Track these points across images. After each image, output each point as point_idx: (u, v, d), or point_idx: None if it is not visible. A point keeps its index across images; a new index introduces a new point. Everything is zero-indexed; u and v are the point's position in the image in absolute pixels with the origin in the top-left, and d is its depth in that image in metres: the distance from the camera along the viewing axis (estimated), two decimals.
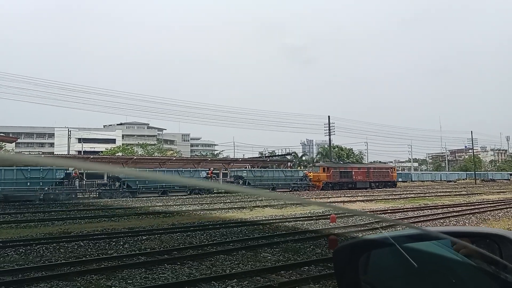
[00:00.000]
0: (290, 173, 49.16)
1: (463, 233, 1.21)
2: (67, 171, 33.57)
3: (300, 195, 40.10)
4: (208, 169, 44.26)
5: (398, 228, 13.66)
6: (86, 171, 36.87)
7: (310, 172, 50.38)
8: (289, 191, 44.82)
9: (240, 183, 43.15)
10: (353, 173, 52.22)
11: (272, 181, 45.81)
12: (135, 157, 50.64)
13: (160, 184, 36.50)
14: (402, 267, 1.18)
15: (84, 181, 36.33)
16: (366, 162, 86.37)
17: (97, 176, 38.52)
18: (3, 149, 53.61)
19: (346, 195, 36.00)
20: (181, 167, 43.93)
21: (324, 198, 32.71)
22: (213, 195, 37.15)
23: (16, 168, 30.79)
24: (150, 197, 34.53)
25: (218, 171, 49.40)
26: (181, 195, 36.56)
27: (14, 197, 29.88)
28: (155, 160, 53.31)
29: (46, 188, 31.96)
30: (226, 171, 52.02)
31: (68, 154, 62.65)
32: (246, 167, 53.51)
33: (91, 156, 48.88)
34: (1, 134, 63.84)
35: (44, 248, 10.73)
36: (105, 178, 37.96)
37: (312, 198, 32.45)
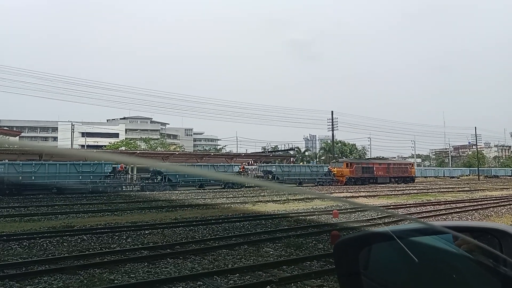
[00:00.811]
0: (315, 168, 51.57)
1: (463, 227, 1.20)
2: (114, 165, 35.47)
3: (319, 189, 40.20)
4: (240, 164, 46.54)
5: (399, 223, 13.68)
6: (135, 166, 39.80)
7: (334, 168, 51.56)
8: (314, 186, 46.30)
9: (270, 177, 45.06)
10: (374, 168, 53.88)
11: (299, 176, 47.89)
12: (138, 152, 50.76)
13: (198, 178, 38.41)
14: (402, 261, 1.18)
15: (130, 175, 38.87)
16: (369, 157, 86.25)
17: (143, 170, 40.47)
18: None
19: (349, 191, 36.02)
20: (217, 163, 47.47)
21: (326, 193, 32.70)
22: (226, 189, 38.09)
23: (69, 162, 33.59)
24: (189, 190, 36.61)
25: (249, 166, 50.87)
26: (217, 189, 38.12)
27: (67, 189, 31.71)
28: (158, 154, 53.45)
29: (96, 181, 34.18)
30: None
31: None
32: (249, 163, 53.94)
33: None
34: (5, 128, 64.10)
35: (47, 241, 10.79)
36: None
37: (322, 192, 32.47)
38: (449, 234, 1.16)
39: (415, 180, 59.14)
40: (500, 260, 1.05)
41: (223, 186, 39.23)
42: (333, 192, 34.09)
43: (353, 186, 46.17)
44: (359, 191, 34.92)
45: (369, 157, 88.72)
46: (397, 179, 55.09)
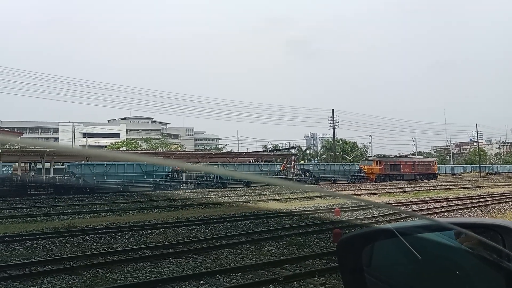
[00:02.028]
0: (348, 166, 53.86)
1: (466, 224, 1.20)
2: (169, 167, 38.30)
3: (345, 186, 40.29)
4: (281, 163, 49.62)
5: (402, 220, 13.67)
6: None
7: (364, 166, 53.95)
8: (347, 183, 48.52)
9: (307, 175, 48.16)
10: (401, 166, 56.35)
11: (333, 173, 50.51)
12: (139, 152, 50.79)
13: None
14: (405, 258, 1.18)
15: (186, 174, 41.11)
16: (370, 155, 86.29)
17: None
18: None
19: (351, 189, 36.00)
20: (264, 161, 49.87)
21: (336, 191, 32.62)
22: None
23: (135, 163, 36.53)
24: (238, 187, 39.33)
25: (291, 165, 52.44)
26: (240, 187, 39.60)
27: (131, 189, 34.92)
28: (159, 154, 53.46)
29: (157, 180, 37.09)
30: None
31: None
32: (250, 161, 54.40)
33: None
34: (6, 129, 64.12)
35: (50, 242, 10.82)
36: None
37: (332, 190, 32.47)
38: (451, 231, 1.16)
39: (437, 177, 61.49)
40: (503, 256, 1.05)
41: (153, 188, 37.61)
42: (335, 190, 34.07)
43: (367, 183, 47.74)
44: (361, 189, 34.91)
45: (370, 155, 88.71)
46: (421, 176, 57.17)
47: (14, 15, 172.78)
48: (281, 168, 45.62)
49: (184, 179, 40.46)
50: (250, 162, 50.95)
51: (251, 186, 39.87)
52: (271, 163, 47.17)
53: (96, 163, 35.48)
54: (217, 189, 37.43)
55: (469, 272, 1.14)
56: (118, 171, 35.30)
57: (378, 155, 65.76)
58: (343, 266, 1.33)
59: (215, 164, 41.37)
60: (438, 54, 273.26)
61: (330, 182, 49.08)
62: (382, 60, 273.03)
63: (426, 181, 52.90)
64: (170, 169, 38.14)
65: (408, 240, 1.13)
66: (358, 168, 52.90)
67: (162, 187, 36.71)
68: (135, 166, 35.86)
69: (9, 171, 35.56)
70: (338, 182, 48.93)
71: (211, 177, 40.00)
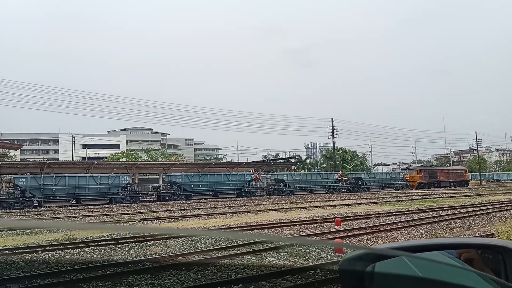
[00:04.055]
0: (394, 175, 60.47)
1: (468, 244, 1.21)
2: (251, 174, 46.76)
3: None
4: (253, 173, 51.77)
5: (408, 235, 13.60)
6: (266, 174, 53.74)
7: (407, 174, 59.54)
8: (394, 189, 54.77)
9: (359, 183, 53.19)
10: (438, 174, 61.28)
11: (382, 181, 56.39)
12: (139, 163, 50.78)
13: (307, 185, 48.81)
14: (407, 276, 1.18)
15: (261, 182, 47.84)
16: (370, 164, 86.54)
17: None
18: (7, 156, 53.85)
19: (351, 198, 35.93)
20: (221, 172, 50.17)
21: (329, 200, 32.64)
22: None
23: (223, 173, 44.86)
24: (302, 193, 46.29)
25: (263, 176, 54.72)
26: (230, 197, 41.89)
27: (220, 194, 41.94)
28: (159, 165, 53.43)
29: (240, 187, 43.50)
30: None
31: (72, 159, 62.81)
32: (251, 171, 54.65)
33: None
34: (6, 142, 64.15)
35: (49, 255, 10.77)
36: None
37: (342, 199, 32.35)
38: (453, 250, 1.16)
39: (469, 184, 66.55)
40: (503, 276, 1.05)
41: (236, 195, 42.89)
42: (335, 200, 33.99)
43: (389, 190, 52.21)
44: (361, 198, 34.84)
45: (371, 164, 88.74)
46: (454, 183, 61.61)
47: (17, 23, 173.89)
48: (254, 177, 46.29)
49: (260, 187, 46.68)
50: (221, 172, 49.48)
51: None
52: (240, 173, 47.54)
53: (193, 173, 43.57)
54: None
55: None
56: (209, 179, 42.02)
57: (421, 164, 75.42)
58: (346, 284, 1.33)
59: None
60: (437, 62, 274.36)
61: (379, 189, 54.06)
62: (380, 68, 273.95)
63: (459, 187, 58.50)
64: (250, 178, 44.79)
65: (410, 260, 1.13)
66: (402, 177, 58.44)
67: (243, 193, 42.89)
68: (222, 176, 43.22)
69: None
70: (385, 189, 54.73)
71: (281, 185, 46.54)
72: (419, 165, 69.72)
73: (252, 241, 11.85)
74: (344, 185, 52.31)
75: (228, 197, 40.93)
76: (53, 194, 34.33)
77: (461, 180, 63.45)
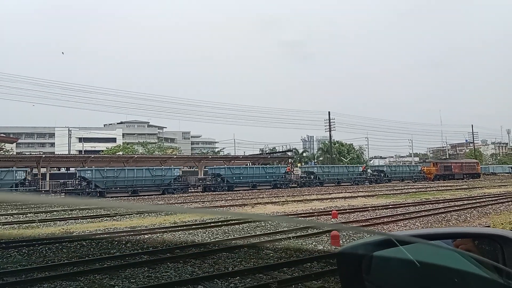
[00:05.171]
0: (412, 168, 63.77)
1: (465, 234, 1.21)
2: (285, 167, 51.06)
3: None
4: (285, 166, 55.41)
5: (405, 228, 13.67)
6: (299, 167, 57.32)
7: (424, 167, 62.63)
8: (412, 181, 57.43)
9: (382, 175, 56.64)
10: (452, 167, 64.45)
11: (402, 174, 59.42)
12: (135, 156, 50.70)
13: (334, 177, 52.15)
14: (405, 266, 1.18)
15: (293, 174, 51.97)
16: (367, 157, 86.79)
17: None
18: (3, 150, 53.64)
19: (348, 191, 36.03)
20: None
21: (325, 194, 32.71)
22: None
23: (262, 166, 50.49)
24: (330, 185, 49.16)
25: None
26: (267, 188, 45.79)
27: (258, 185, 45.95)
28: (156, 158, 53.35)
29: (277, 179, 46.97)
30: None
31: (69, 153, 62.63)
32: (247, 164, 55.05)
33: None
34: (2, 135, 63.84)
35: (46, 248, 10.75)
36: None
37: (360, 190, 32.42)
38: (449, 240, 1.16)
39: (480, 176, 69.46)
40: (500, 263, 1.05)
41: (272, 186, 46.37)
42: (332, 193, 34.07)
43: (403, 183, 53.93)
44: (358, 191, 34.94)
45: (367, 157, 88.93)
46: (467, 175, 64.84)
47: (12, 16, 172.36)
48: (287, 170, 50.40)
49: (294, 179, 50.44)
50: (247, 165, 55.11)
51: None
52: (276, 166, 51.92)
53: (236, 167, 47.29)
54: (215, 193, 39.02)
55: (468, 280, 1.14)
56: (249, 172, 46.24)
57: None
58: (344, 275, 1.33)
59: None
60: (433, 56, 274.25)
61: (399, 181, 56.81)
62: (377, 62, 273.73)
63: (472, 179, 61.48)
64: (284, 171, 48.89)
65: (407, 249, 1.13)
66: (419, 169, 61.71)
67: (278, 185, 46.44)
68: (260, 169, 48.04)
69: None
70: (405, 180, 57.58)
71: (311, 177, 50.22)
72: (435, 158, 74.49)
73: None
74: (368, 177, 55.36)
75: (265, 188, 45.02)
76: (114, 185, 37.71)
77: (473, 172, 66.78)
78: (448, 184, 45.37)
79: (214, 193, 39.13)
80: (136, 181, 38.58)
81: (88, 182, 36.86)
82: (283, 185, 46.70)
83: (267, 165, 51.92)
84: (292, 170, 52.52)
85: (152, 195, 37.59)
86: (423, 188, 38.29)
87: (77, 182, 37.49)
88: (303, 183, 48.60)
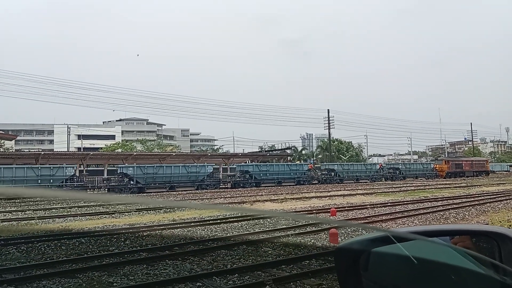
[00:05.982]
0: (426, 165, 65.48)
1: (463, 231, 1.21)
2: (307, 164, 53.85)
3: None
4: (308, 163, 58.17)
5: (403, 226, 13.69)
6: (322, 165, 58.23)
7: (436, 165, 64.28)
8: (425, 178, 59.05)
9: (397, 173, 58.52)
10: (463, 165, 66.50)
11: (415, 171, 61.48)
12: (134, 153, 50.67)
13: (354, 174, 54.03)
14: (402, 263, 1.18)
15: (316, 171, 53.75)
16: (366, 155, 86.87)
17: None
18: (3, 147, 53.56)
19: (346, 189, 36.05)
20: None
21: (324, 191, 32.73)
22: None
23: (286, 163, 52.53)
24: (349, 182, 51.52)
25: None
26: (291, 184, 47.33)
27: (283, 182, 47.71)
28: (155, 156, 53.35)
29: (300, 176, 48.89)
30: (226, 166, 54.13)
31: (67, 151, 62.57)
32: (246, 161, 55.15)
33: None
34: (1, 132, 63.70)
35: (45, 245, 10.74)
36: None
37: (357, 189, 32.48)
38: (447, 237, 1.17)
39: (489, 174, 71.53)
40: (498, 261, 1.06)
41: (295, 183, 48.09)
42: (330, 191, 34.09)
43: (410, 180, 55.25)
44: (356, 189, 34.98)
45: (366, 155, 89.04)
46: (477, 173, 67.14)
47: (13, 13, 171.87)
48: (309, 167, 52.45)
49: (314, 176, 51.88)
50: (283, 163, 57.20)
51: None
52: (299, 163, 55.31)
53: (262, 164, 50.15)
54: (214, 190, 39.37)
55: (465, 276, 1.15)
56: (275, 169, 48.00)
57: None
58: (341, 272, 1.33)
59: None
60: (433, 54, 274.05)
61: (413, 178, 58.25)
62: (376, 60, 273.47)
63: (481, 176, 63.50)
64: (307, 168, 50.75)
65: (404, 246, 1.13)
66: (432, 167, 63.48)
67: (302, 181, 48.44)
68: (285, 166, 49.60)
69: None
70: (418, 178, 59.00)
71: (332, 175, 51.58)
72: (448, 156, 76.39)
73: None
74: (384, 174, 57.34)
75: (290, 185, 46.56)
76: (153, 181, 39.93)
77: (483, 170, 69.24)
78: (447, 182, 45.44)
79: (230, 189, 41.22)
80: (173, 177, 40.76)
81: (129, 178, 38.81)
82: (305, 181, 48.72)
83: (291, 163, 55.03)
84: (313, 168, 54.53)
85: (187, 190, 38.95)
86: (421, 186, 38.33)
87: (119, 178, 39.43)
88: (324, 180, 50.56)
